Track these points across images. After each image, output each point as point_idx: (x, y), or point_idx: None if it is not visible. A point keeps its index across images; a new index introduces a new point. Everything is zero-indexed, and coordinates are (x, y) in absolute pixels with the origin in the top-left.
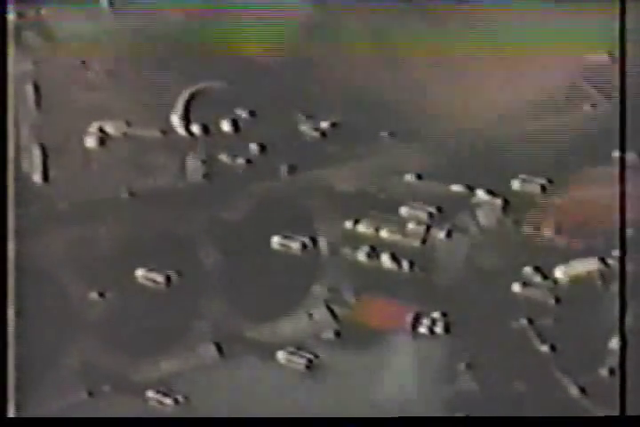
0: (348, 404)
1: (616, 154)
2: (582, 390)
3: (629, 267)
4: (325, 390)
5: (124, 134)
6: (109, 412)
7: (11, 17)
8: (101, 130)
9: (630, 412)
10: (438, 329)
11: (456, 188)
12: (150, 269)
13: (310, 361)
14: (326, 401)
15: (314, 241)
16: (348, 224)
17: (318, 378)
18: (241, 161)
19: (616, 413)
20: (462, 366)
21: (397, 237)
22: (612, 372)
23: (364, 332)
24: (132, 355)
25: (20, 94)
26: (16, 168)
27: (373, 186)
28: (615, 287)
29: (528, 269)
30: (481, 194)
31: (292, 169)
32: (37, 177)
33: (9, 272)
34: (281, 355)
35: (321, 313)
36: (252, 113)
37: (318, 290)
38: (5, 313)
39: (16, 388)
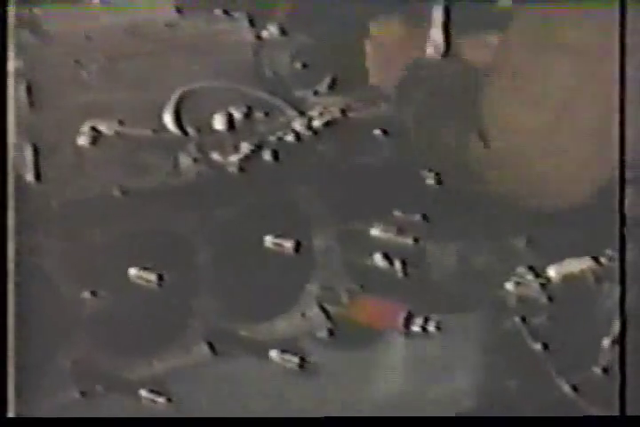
0: (341, 403)
1: None
2: (575, 388)
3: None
4: (319, 388)
5: (117, 133)
6: (102, 411)
7: (11, 14)
8: (94, 129)
9: (630, 412)
10: (431, 328)
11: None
12: (143, 268)
13: (303, 360)
14: (319, 400)
15: (307, 240)
16: (342, 223)
17: (311, 377)
18: (233, 159)
19: (615, 412)
20: (455, 364)
21: (391, 237)
22: (605, 370)
23: (357, 331)
24: (125, 354)
25: (13, 93)
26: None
27: (367, 186)
28: (607, 286)
29: (521, 268)
30: None
31: (286, 167)
32: (30, 176)
33: (9, 272)
34: (274, 354)
35: (314, 312)
36: (245, 112)
37: (312, 289)
38: (5, 313)
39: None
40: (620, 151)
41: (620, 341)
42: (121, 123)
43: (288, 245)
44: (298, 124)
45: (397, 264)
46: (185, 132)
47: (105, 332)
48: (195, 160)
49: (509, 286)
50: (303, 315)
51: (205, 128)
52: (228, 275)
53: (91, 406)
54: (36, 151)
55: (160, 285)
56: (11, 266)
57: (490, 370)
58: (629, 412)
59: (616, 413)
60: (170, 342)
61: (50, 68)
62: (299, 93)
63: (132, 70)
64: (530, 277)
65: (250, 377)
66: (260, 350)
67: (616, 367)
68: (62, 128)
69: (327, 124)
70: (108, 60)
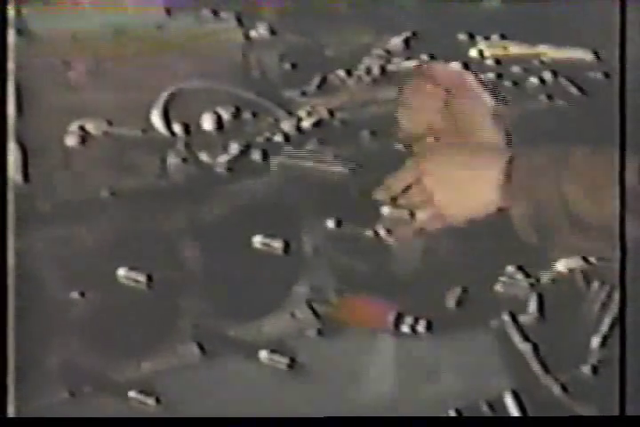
0: (330, 403)
1: None
2: (564, 388)
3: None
4: (308, 389)
5: (105, 133)
6: (91, 412)
7: (10, 13)
8: (82, 129)
9: (630, 412)
10: (420, 328)
11: None
12: (132, 269)
13: (293, 360)
14: (309, 400)
15: (296, 240)
16: (331, 223)
17: (301, 377)
18: (222, 160)
19: (607, 412)
20: (445, 364)
21: (379, 236)
22: (594, 370)
23: (346, 331)
24: (114, 354)
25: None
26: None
27: (357, 184)
28: (596, 285)
29: (510, 268)
30: None
31: (276, 167)
32: (18, 177)
33: (9, 272)
34: (263, 354)
35: (303, 312)
36: (233, 112)
37: (300, 289)
38: (5, 313)
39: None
40: (621, 150)
41: (621, 341)
42: (109, 123)
43: (277, 245)
44: (286, 125)
45: (385, 264)
46: (173, 133)
47: (94, 332)
48: (183, 160)
49: (498, 285)
50: (292, 315)
51: (194, 128)
52: (217, 275)
53: (79, 406)
54: (23, 152)
55: (149, 285)
56: (13, 267)
57: (480, 370)
58: (629, 412)
59: (608, 412)
60: (159, 343)
61: (37, 68)
62: (287, 94)
63: (120, 71)
64: (519, 276)
65: (239, 377)
66: (249, 351)
67: (605, 367)
68: (50, 128)
69: (316, 124)
70: (96, 60)
